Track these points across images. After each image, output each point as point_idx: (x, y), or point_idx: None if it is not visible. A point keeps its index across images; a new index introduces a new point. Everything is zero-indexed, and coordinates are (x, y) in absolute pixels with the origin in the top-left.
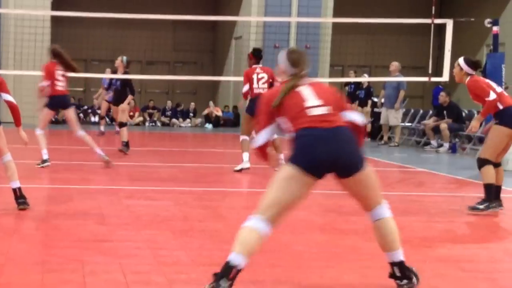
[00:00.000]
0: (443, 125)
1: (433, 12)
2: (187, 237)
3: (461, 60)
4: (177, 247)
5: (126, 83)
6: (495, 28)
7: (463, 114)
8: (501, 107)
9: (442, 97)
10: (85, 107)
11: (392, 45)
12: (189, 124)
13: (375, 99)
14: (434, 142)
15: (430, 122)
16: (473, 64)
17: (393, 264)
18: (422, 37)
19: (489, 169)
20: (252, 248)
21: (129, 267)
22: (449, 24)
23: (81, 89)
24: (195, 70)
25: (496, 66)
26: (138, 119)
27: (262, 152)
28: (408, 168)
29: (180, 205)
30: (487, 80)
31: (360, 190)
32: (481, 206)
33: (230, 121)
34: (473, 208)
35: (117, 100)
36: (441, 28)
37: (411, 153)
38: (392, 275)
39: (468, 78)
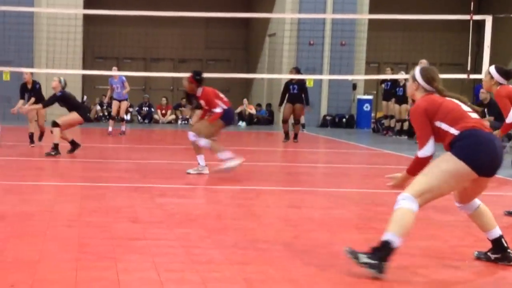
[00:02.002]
0: (486, 123)
1: (471, 8)
2: (220, 235)
3: (492, 69)
4: (210, 246)
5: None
6: None
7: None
8: None
9: (483, 94)
10: None
11: (429, 41)
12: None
13: None
14: None
15: None
16: (505, 74)
17: (500, 237)
18: (460, 34)
19: None
20: (408, 230)
21: (163, 265)
22: (488, 20)
23: None
24: (228, 68)
25: None
26: (170, 117)
27: (427, 162)
28: None
29: (214, 204)
30: None
31: (479, 188)
32: None
33: (264, 119)
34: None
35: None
36: (480, 25)
37: None
38: (501, 249)
39: (498, 87)
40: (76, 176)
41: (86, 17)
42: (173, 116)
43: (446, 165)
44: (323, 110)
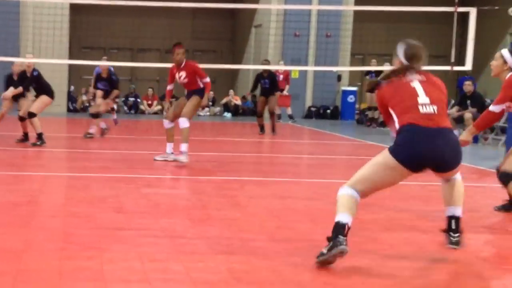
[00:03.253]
0: (468, 115)
1: (456, 0)
2: (205, 225)
3: (506, 52)
4: (195, 236)
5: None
6: None
7: (486, 103)
8: None
9: (468, 86)
10: None
11: (414, 33)
12: (208, 113)
13: None
14: (456, 132)
15: (453, 111)
16: None
17: (452, 217)
18: (444, 26)
19: None
20: (353, 210)
21: (147, 255)
22: (473, 12)
23: None
24: (214, 59)
25: None
26: (156, 107)
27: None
28: None
29: (199, 194)
30: None
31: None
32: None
33: (249, 110)
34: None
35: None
36: (464, 17)
37: None
38: (447, 229)
39: (510, 74)
40: (61, 166)
41: (72, 6)
42: (159, 107)
43: (379, 158)
44: (308, 102)
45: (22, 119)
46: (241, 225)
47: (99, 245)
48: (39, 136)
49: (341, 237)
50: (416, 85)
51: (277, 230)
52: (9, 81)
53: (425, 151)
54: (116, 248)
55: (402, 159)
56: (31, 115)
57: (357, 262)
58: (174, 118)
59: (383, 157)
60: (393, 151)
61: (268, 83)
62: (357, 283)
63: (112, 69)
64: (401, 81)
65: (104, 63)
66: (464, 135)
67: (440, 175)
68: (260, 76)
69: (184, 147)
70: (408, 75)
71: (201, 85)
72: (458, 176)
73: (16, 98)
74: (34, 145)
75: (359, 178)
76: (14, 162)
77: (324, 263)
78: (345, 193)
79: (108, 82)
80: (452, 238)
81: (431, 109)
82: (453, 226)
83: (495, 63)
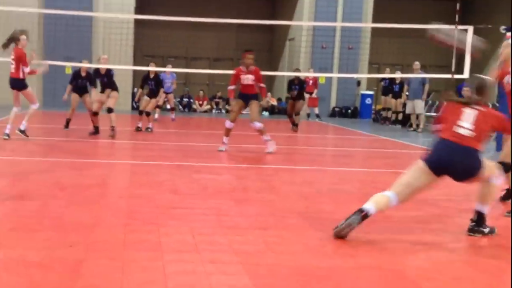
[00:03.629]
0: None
1: (456, 19)
2: (245, 205)
3: None
4: (237, 214)
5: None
6: (508, 34)
7: None
8: None
9: (467, 92)
10: None
11: (421, 47)
12: (249, 112)
13: (407, 93)
14: None
15: None
16: None
17: (476, 211)
18: None
19: None
20: (380, 205)
21: (197, 229)
22: (470, 30)
23: None
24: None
25: None
26: (206, 107)
27: None
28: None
29: (240, 179)
30: None
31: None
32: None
33: (284, 110)
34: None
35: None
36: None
37: (435, 139)
38: (472, 219)
39: None
40: (126, 155)
41: (136, 21)
42: (209, 106)
43: (413, 165)
44: (333, 103)
45: (95, 113)
46: (275, 205)
47: (157, 221)
48: (112, 129)
49: (354, 216)
50: (467, 111)
51: (305, 209)
52: (76, 76)
53: (443, 160)
54: (171, 223)
55: (426, 161)
56: (110, 110)
57: (374, 237)
58: (234, 120)
59: (417, 162)
60: (424, 155)
61: (298, 89)
62: (373, 250)
63: (175, 75)
64: (458, 105)
65: (167, 69)
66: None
67: (458, 181)
68: (292, 83)
69: (267, 137)
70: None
71: (257, 90)
72: (493, 180)
73: (80, 94)
74: (111, 136)
75: (397, 182)
76: (86, 152)
77: (337, 234)
78: (383, 193)
79: (155, 82)
80: (469, 226)
81: (466, 132)
82: (474, 218)
83: (506, 50)
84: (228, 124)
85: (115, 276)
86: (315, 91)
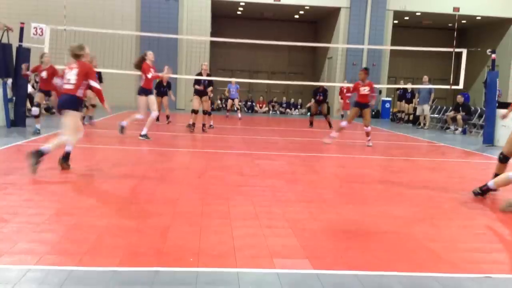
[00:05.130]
0: (459, 116)
1: (454, 43)
2: (294, 184)
3: None
4: (288, 190)
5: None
6: (493, 55)
7: (471, 109)
8: None
9: (460, 98)
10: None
11: (427, 64)
12: (297, 113)
13: (418, 99)
14: (452, 127)
15: (450, 114)
16: None
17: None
18: (446, 59)
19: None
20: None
21: (258, 203)
22: (464, 52)
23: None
24: (302, 79)
25: (493, 80)
26: (265, 109)
27: None
28: (435, 143)
29: (290, 164)
30: None
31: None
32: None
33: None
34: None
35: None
36: (458, 54)
37: (437, 134)
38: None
39: None
40: (204, 145)
41: (212, 43)
42: (267, 108)
43: None
44: None
45: (167, 117)
46: (316, 184)
47: (226, 196)
48: (209, 126)
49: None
50: None
51: (339, 188)
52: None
53: None
54: (237, 198)
55: None
56: (206, 112)
57: (391, 207)
58: (350, 122)
59: None
60: None
61: (322, 95)
62: (389, 218)
63: (238, 86)
64: None
65: (233, 79)
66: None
67: None
68: (317, 90)
69: (334, 134)
70: None
71: (370, 99)
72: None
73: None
74: (204, 131)
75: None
76: (173, 142)
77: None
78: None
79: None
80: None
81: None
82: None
83: None
84: (344, 123)
85: (194, 238)
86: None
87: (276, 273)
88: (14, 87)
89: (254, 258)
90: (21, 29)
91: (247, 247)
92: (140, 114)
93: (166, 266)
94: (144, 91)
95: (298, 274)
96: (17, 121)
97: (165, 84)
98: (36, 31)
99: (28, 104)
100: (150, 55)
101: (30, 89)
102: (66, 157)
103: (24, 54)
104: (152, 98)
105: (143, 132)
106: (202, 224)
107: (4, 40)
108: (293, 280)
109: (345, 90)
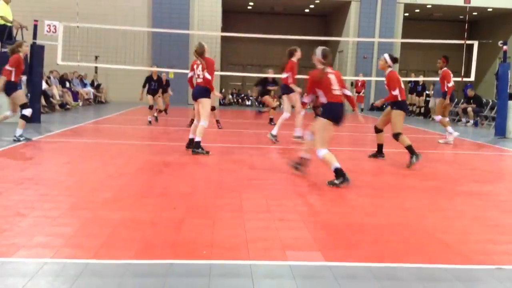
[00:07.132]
0: (469, 108)
1: (465, 36)
2: (306, 177)
3: (386, 56)
4: (299, 184)
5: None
6: (505, 47)
7: (483, 101)
8: (399, 99)
9: (470, 91)
10: (242, 95)
11: (438, 57)
12: (309, 107)
13: (427, 92)
14: (464, 119)
15: (461, 106)
16: (395, 60)
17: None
18: (458, 52)
19: (403, 137)
20: (334, 159)
21: (269, 196)
22: (475, 44)
23: (240, 83)
24: None
25: (505, 72)
26: (276, 103)
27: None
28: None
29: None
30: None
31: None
32: (414, 160)
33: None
34: (410, 164)
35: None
36: (470, 46)
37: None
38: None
39: (389, 70)
40: (217, 140)
41: (223, 38)
42: (277, 103)
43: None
44: (372, 99)
45: (165, 111)
46: (328, 177)
47: (239, 189)
48: (217, 122)
49: (344, 176)
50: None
51: (353, 178)
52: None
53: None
54: (249, 191)
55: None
56: (213, 108)
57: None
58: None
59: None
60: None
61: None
62: (400, 210)
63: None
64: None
65: (243, 74)
66: None
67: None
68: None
69: None
70: None
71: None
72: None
73: (154, 95)
74: (219, 127)
75: (319, 138)
76: (181, 137)
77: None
78: (324, 153)
79: (158, 83)
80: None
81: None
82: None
83: (380, 62)
84: (438, 118)
85: (208, 231)
86: (363, 90)
87: (288, 265)
88: (29, 84)
89: (266, 251)
90: (35, 27)
91: (259, 239)
92: (287, 113)
93: (180, 258)
94: (287, 89)
95: (311, 266)
96: (32, 117)
97: (163, 83)
98: (49, 28)
99: (43, 101)
100: (297, 53)
101: (44, 85)
102: (197, 145)
103: (38, 51)
104: (284, 97)
105: (274, 132)
106: (215, 217)
107: (19, 38)
108: (306, 272)
109: (359, 83)
